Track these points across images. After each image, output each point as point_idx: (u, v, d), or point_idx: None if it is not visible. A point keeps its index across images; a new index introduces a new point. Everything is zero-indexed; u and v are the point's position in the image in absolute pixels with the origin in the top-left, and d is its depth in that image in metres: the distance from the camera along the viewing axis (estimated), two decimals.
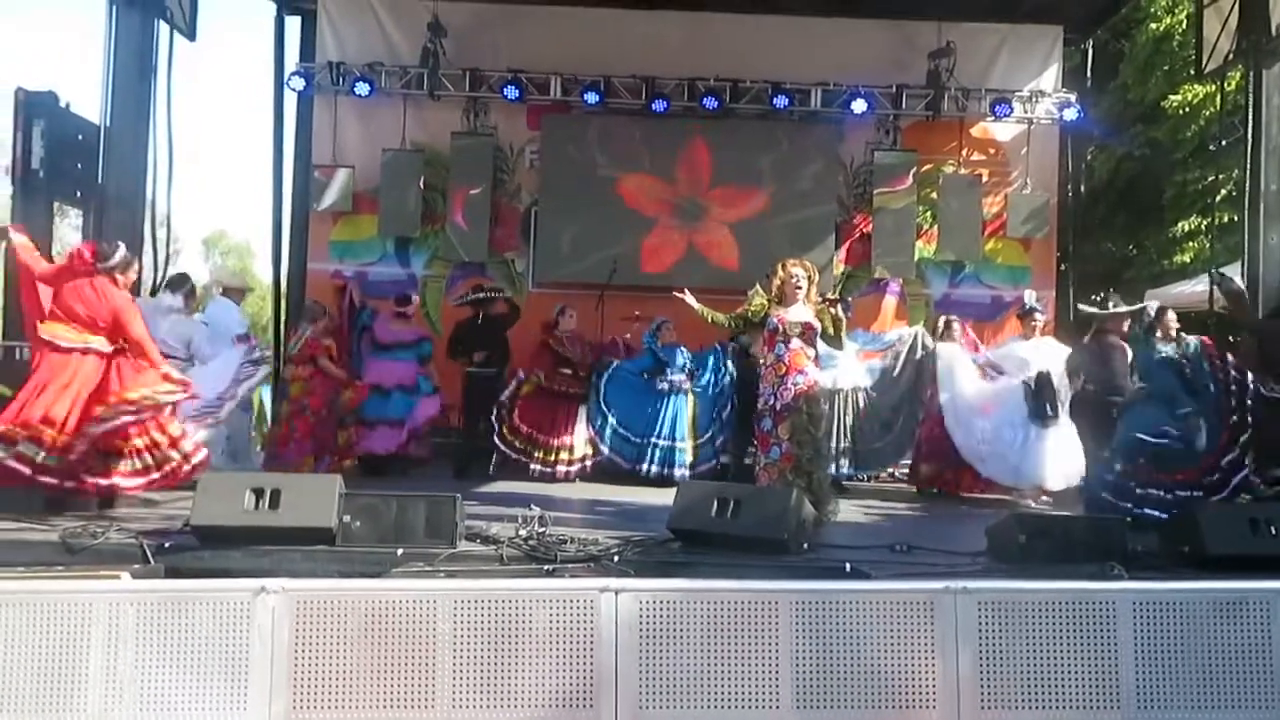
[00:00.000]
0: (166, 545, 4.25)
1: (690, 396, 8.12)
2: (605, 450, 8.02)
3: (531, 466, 7.93)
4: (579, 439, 8.06)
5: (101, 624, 3.22)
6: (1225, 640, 3.46)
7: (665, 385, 8.04)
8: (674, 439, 7.97)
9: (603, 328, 8.85)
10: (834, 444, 7.67)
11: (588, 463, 8.07)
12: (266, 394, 9.36)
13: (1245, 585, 3.60)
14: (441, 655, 3.30)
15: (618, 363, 8.30)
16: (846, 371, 7.78)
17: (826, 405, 6.55)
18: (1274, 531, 4.35)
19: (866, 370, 7.95)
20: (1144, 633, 3.45)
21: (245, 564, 4.00)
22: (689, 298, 6.11)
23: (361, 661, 3.28)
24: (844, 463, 7.87)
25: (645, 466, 7.91)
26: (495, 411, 8.03)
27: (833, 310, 5.98)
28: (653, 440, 7.96)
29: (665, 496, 5.06)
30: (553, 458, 7.98)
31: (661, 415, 8.01)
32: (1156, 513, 5.58)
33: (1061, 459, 7.23)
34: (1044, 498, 7.39)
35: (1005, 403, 7.53)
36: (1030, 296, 8.32)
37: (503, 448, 7.99)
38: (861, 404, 7.89)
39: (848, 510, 6.36)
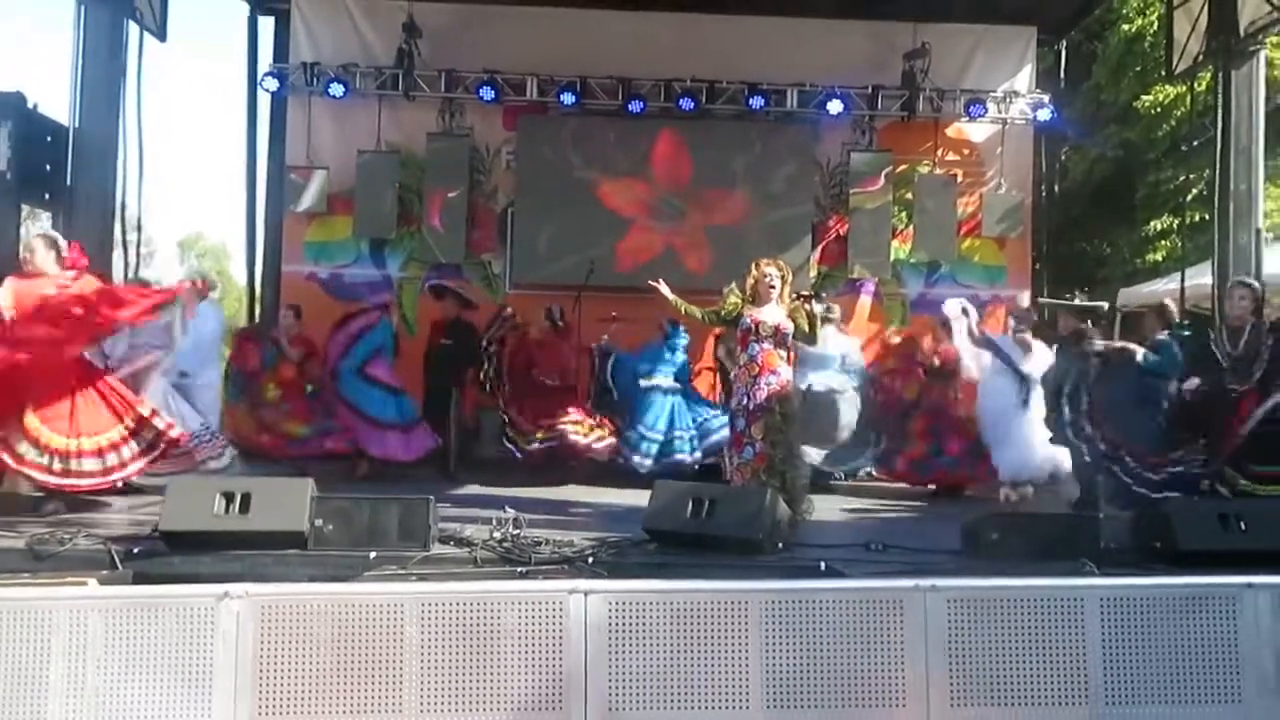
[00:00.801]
0: (135, 551, 4.20)
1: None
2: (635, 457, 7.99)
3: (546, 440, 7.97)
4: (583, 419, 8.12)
5: (63, 632, 3.17)
6: (1191, 635, 3.49)
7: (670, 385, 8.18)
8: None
9: (580, 329, 8.83)
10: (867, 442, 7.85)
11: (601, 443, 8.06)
12: None
13: (1210, 580, 3.63)
14: (409, 659, 3.28)
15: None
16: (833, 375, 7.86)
17: (799, 405, 6.57)
18: (1244, 527, 4.38)
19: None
20: (1111, 628, 3.48)
21: (216, 569, 3.96)
22: (664, 288, 6.10)
23: (327, 666, 3.25)
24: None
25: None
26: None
27: (806, 306, 5.96)
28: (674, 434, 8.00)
29: (644, 498, 5.05)
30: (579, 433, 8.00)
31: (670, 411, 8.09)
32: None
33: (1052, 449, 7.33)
34: (1026, 494, 7.46)
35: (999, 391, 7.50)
36: (1024, 299, 8.23)
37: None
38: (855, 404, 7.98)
39: (825, 510, 6.37)
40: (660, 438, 7.91)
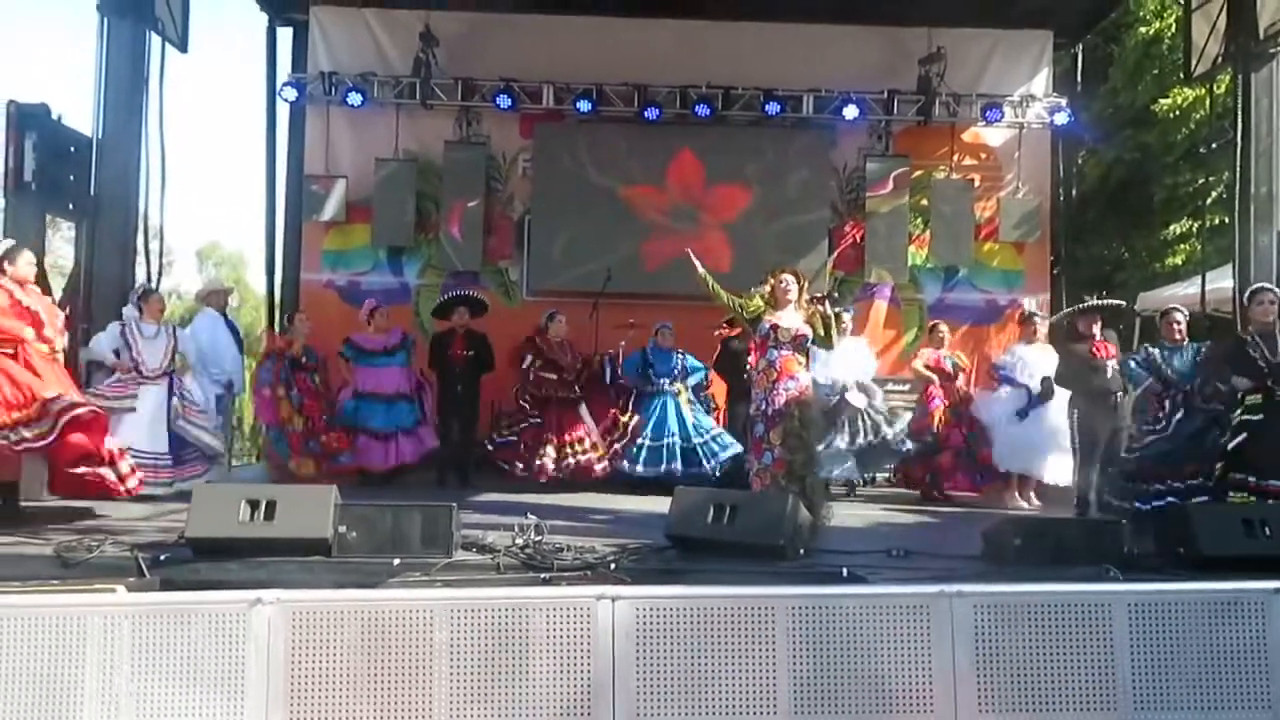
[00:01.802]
0: (162, 558, 4.22)
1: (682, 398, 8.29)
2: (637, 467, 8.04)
3: (537, 463, 7.97)
4: (582, 438, 8.12)
5: (96, 638, 3.20)
6: (1220, 641, 3.46)
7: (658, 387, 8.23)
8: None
9: (597, 335, 8.84)
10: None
11: (582, 459, 8.10)
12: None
13: (1240, 586, 3.60)
14: (438, 665, 3.29)
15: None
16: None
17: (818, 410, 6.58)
18: (1268, 532, 4.34)
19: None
20: (1139, 634, 3.45)
21: (241, 576, 3.98)
22: (694, 258, 6.11)
23: (358, 672, 3.26)
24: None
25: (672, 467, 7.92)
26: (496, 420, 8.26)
27: (821, 308, 5.96)
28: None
29: (662, 504, 5.06)
30: (558, 456, 8.04)
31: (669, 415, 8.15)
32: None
33: (1054, 455, 7.37)
34: (1035, 501, 7.46)
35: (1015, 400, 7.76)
36: (1030, 303, 8.42)
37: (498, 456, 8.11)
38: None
39: (844, 515, 6.37)
40: (661, 442, 8.00)
